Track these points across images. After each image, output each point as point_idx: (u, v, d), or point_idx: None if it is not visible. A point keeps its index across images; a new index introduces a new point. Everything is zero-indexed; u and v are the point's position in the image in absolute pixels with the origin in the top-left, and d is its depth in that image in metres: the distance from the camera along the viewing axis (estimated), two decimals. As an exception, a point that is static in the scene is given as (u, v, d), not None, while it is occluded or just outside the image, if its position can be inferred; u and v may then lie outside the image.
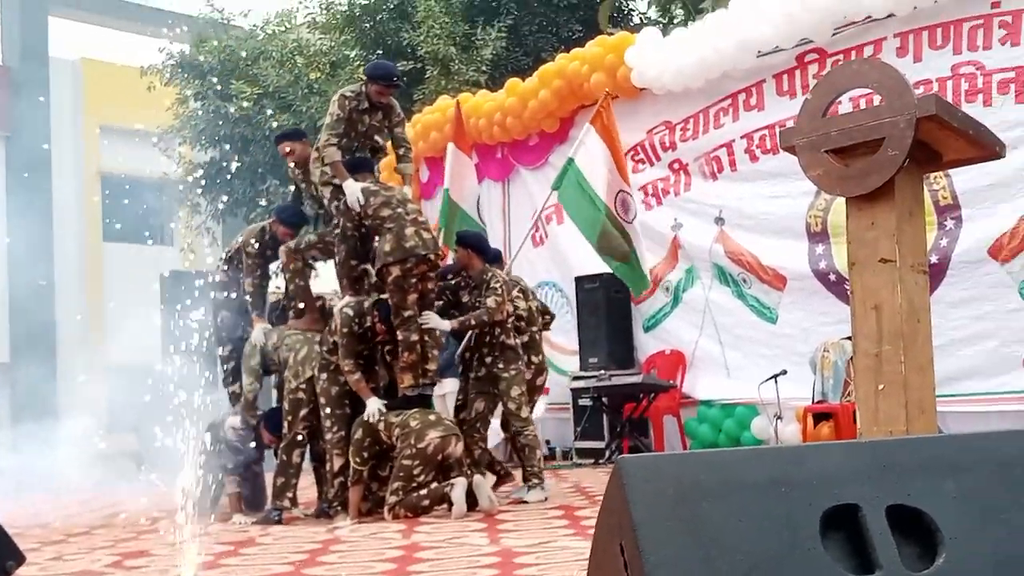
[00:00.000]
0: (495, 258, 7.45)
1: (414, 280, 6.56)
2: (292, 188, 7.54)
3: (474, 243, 7.06)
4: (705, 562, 1.78)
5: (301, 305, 7.27)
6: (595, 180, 8.63)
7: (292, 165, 7.48)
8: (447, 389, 9.01)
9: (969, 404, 7.45)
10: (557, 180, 8.81)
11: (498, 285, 6.82)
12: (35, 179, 20.53)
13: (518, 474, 7.15)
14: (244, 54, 17.76)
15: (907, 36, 8.11)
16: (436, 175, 11.94)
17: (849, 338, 3.72)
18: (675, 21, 16.22)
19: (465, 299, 6.99)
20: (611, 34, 11.50)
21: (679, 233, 9.98)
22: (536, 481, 6.78)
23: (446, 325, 6.73)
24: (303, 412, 6.82)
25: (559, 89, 10.82)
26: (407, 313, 6.52)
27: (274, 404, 7.50)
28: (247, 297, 7.45)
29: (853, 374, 4.52)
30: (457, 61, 15.01)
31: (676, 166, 10.00)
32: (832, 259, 8.52)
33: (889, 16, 8.16)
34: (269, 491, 6.98)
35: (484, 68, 15.07)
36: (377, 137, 7.27)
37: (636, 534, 1.81)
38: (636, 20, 17.35)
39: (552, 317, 8.06)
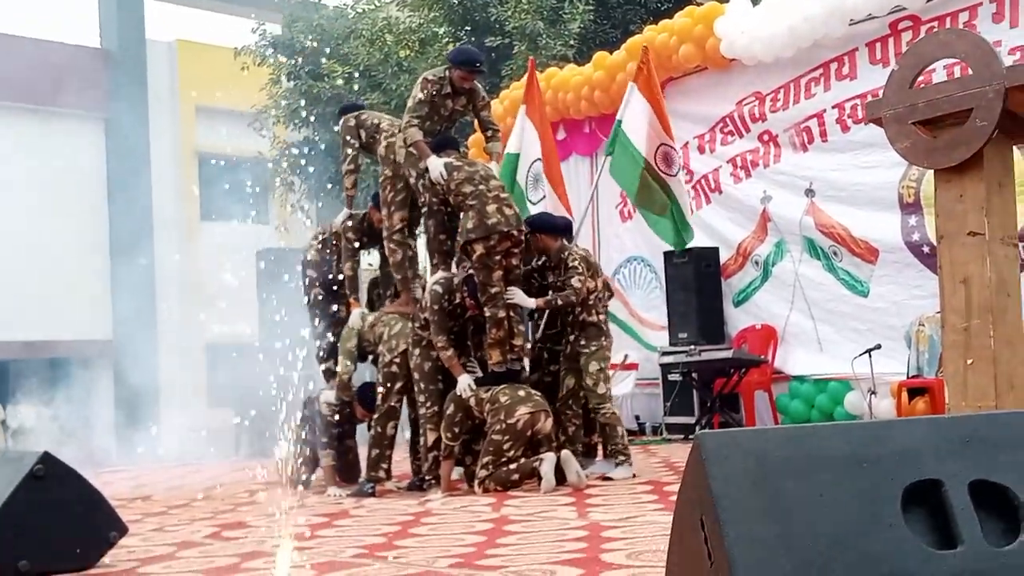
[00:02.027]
0: (568, 228, 7.40)
1: (498, 256, 6.60)
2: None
3: (540, 225, 6.99)
4: (785, 537, 1.79)
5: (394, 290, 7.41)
6: (636, 136, 8.65)
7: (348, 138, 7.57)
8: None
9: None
10: (609, 144, 8.82)
11: (577, 263, 6.80)
12: (134, 160, 21.02)
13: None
14: (335, 34, 17.96)
15: (1003, 1, 7.91)
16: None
17: (942, 312, 3.67)
18: (765, -10, 15.96)
19: (550, 278, 6.97)
20: (700, 4, 11.39)
21: (768, 206, 9.88)
22: (622, 458, 6.78)
23: (531, 303, 6.75)
24: (398, 385, 6.92)
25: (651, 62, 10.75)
26: (493, 289, 6.56)
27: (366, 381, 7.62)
28: (344, 280, 7.56)
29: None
30: (545, 35, 14.98)
31: (766, 138, 9.89)
32: (926, 230, 8.37)
33: (985, -20, 7.97)
34: (363, 465, 7.10)
35: (572, 42, 15.02)
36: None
37: (716, 508, 1.83)
38: (725, -10, 17.11)
39: (612, 295, 7.99)
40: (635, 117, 8.80)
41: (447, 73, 7.11)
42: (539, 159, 9.55)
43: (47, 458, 3.91)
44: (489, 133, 7.39)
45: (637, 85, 8.82)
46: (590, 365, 6.79)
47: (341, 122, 7.70)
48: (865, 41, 8.96)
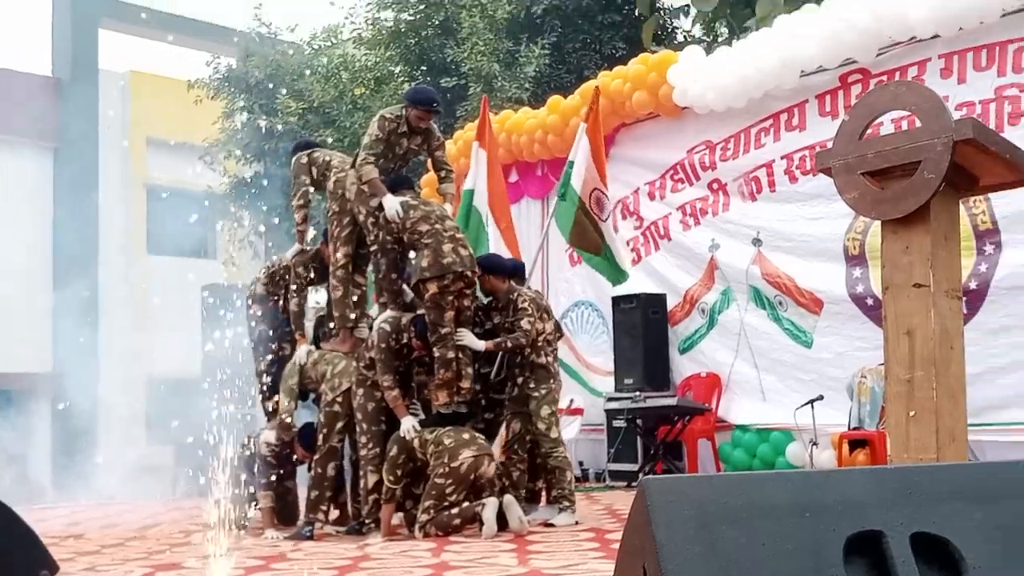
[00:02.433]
0: (518, 270, 7.39)
1: (451, 297, 6.56)
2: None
3: (489, 267, 6.96)
4: (726, 586, 1.76)
5: (332, 326, 7.33)
6: (576, 174, 8.71)
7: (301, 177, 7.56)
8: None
9: (1008, 434, 7.34)
10: (561, 186, 8.87)
11: (527, 305, 6.78)
12: (82, 190, 20.78)
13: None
14: (291, 69, 17.94)
15: (952, 57, 8.05)
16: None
17: (884, 363, 3.68)
18: (719, 40, 16.20)
19: (497, 319, 6.94)
20: (654, 52, 11.49)
21: (716, 254, 9.94)
22: (567, 504, 6.73)
23: (480, 345, 6.70)
24: (339, 425, 6.83)
25: (601, 107, 10.80)
26: (443, 330, 6.51)
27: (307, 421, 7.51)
28: (291, 315, 7.49)
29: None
30: (500, 78, 15.07)
31: (715, 186, 9.97)
32: (870, 283, 8.45)
33: (934, 37, 8.10)
34: (302, 506, 6.99)
35: (527, 85, 15.11)
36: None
37: (659, 556, 1.80)
38: (680, 38, 17.34)
39: (561, 336, 7.97)
40: (578, 156, 8.87)
41: (403, 112, 7.10)
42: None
43: (-27, 491, 3.79)
44: (443, 174, 7.38)
45: (586, 126, 8.88)
46: (541, 410, 6.74)
47: (293, 159, 7.67)
48: (815, 93, 9.07)
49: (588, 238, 8.93)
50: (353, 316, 7.28)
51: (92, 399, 18.54)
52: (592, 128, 8.88)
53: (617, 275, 9.10)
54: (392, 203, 6.72)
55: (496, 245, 9.08)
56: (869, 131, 3.37)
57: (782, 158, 9.31)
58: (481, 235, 8.96)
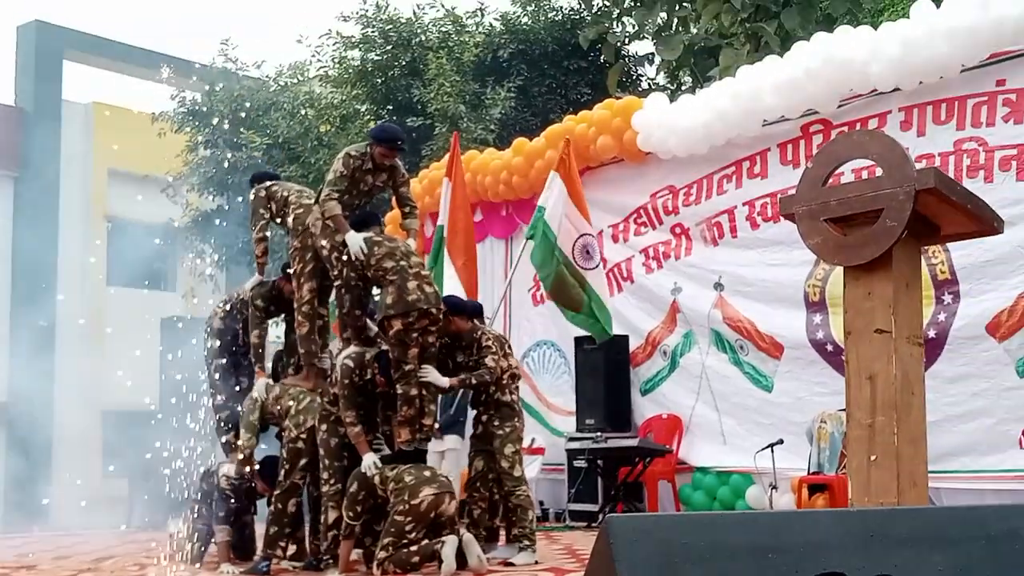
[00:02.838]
0: (478, 311, 7.42)
1: (415, 334, 6.57)
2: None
3: (452, 308, 7.00)
4: (690, 625, 1.78)
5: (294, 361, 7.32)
6: (555, 225, 8.80)
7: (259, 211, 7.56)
8: (447, 446, 8.98)
9: (964, 481, 7.41)
10: (531, 228, 8.93)
11: (491, 343, 6.82)
12: (42, 220, 20.61)
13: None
14: (256, 104, 17.94)
15: (912, 110, 8.20)
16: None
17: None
18: (683, 88, 16.39)
19: (460, 359, 6.93)
20: (619, 98, 11.61)
21: (678, 297, 10.00)
22: (527, 543, 6.72)
23: (445, 382, 6.70)
24: (302, 462, 6.79)
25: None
26: (407, 367, 6.51)
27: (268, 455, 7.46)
28: (251, 350, 7.45)
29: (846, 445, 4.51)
30: (466, 119, 15.16)
31: (678, 230, 10.05)
32: (830, 329, 8.54)
33: (895, 90, 8.25)
34: (259, 542, 6.92)
35: (492, 127, 15.22)
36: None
37: (621, 594, 1.81)
38: (644, 85, 17.55)
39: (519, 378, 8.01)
40: (555, 206, 8.94)
41: (368, 149, 7.12)
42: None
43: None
44: (407, 209, 7.40)
45: (560, 174, 8.95)
46: (505, 448, 6.75)
47: (252, 192, 7.66)
48: (777, 142, 9.20)
49: (572, 296, 9.00)
50: (319, 352, 7.27)
51: (47, 429, 18.31)
52: (567, 176, 8.97)
53: (601, 330, 9.16)
54: (356, 240, 6.73)
55: (450, 282, 9.11)
56: (832, 179, 3.43)
57: (744, 204, 9.41)
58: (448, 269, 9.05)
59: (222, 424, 7.54)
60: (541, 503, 10.77)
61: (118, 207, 21.56)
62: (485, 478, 6.91)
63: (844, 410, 5.86)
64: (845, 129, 8.50)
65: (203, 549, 7.26)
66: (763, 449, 8.23)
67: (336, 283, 7.05)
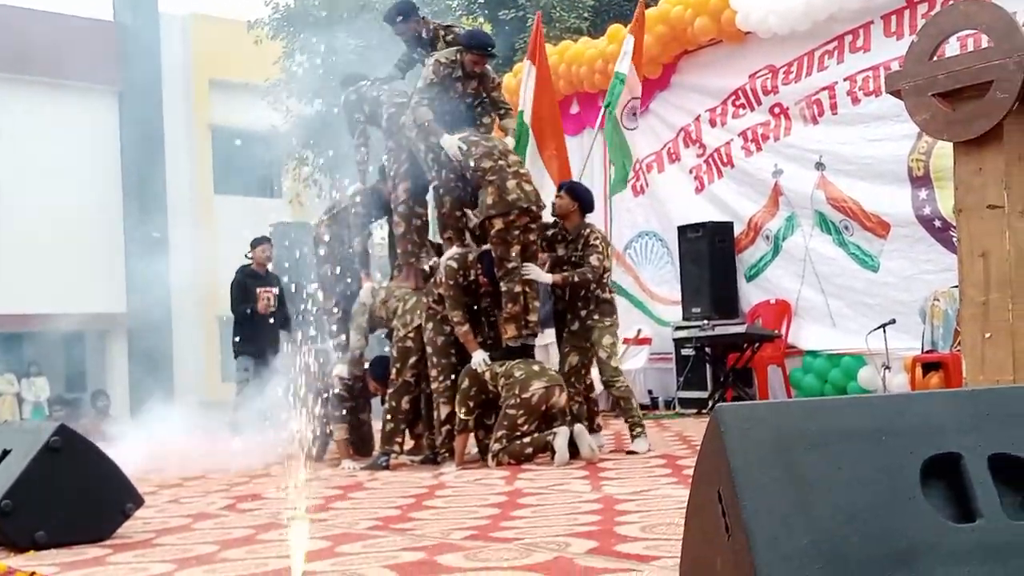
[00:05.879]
0: (590, 206, 7.37)
1: (517, 232, 6.58)
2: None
3: (582, 196, 6.91)
4: (803, 510, 1.79)
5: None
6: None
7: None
8: (549, 339, 9.06)
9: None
10: (609, 94, 9.09)
11: (599, 242, 6.76)
12: (148, 133, 21.01)
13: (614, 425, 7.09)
14: (349, 6, 17.89)
15: (1022, -27, 7.84)
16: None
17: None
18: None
19: (560, 252, 6.92)
20: (716, -23, 11.31)
21: (779, 180, 9.84)
22: (639, 430, 6.76)
23: (548, 278, 6.71)
24: (411, 360, 6.92)
25: (662, 35, 10.69)
26: (510, 265, 6.55)
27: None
28: (355, 255, 7.56)
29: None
30: (559, 8, 14.93)
31: (777, 110, 9.84)
32: (936, 204, 8.32)
33: (1004, -47, 7.89)
34: (376, 438, 7.11)
35: (586, 15, 14.98)
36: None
37: (734, 481, 1.83)
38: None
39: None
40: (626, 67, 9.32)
41: (458, 56, 7.07)
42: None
43: (63, 430, 3.92)
44: (502, 112, 7.37)
45: (633, 39, 9.12)
46: (604, 339, 6.74)
47: (343, 97, 7.69)
48: (881, 14, 8.90)
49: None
50: (416, 251, 7.35)
51: (166, 339, 18.91)
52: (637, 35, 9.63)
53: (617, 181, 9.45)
54: (452, 142, 6.73)
55: (539, 174, 9.12)
56: (938, 52, 3.32)
57: (845, 79, 9.17)
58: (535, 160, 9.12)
59: (333, 327, 7.71)
60: (650, 392, 10.86)
61: (220, 116, 21.87)
62: (579, 373, 6.95)
63: (957, 287, 5.77)
64: (952, -2, 8.18)
65: (323, 447, 7.49)
66: (875, 329, 8.14)
67: (434, 184, 7.09)
